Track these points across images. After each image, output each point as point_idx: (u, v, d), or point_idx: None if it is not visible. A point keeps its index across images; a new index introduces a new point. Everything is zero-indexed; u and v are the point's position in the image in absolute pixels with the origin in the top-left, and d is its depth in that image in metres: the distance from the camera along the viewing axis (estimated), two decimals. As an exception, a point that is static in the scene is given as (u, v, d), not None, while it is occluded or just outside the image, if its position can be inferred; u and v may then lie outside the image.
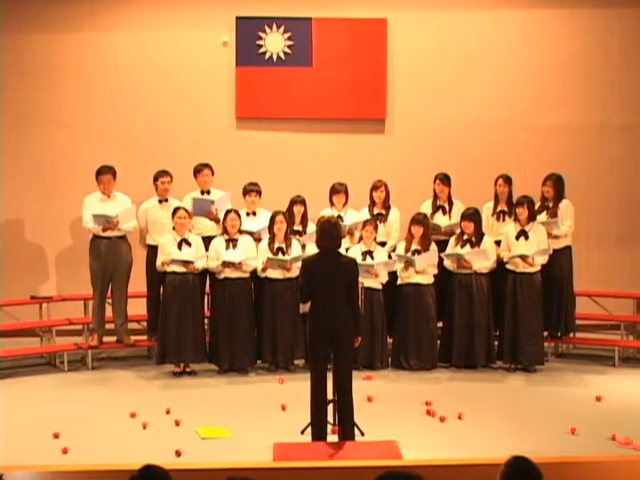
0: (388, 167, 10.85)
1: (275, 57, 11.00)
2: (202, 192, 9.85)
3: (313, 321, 7.15)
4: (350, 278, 7.13)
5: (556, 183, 9.84)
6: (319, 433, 7.06)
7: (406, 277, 9.49)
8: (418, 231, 9.51)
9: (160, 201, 9.80)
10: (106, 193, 9.75)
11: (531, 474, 4.03)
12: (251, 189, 9.79)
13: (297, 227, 9.75)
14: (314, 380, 7.10)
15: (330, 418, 7.17)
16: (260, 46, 10.98)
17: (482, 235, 9.53)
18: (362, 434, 7.19)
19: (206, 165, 9.87)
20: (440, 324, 9.67)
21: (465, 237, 9.53)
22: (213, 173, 9.88)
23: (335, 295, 7.05)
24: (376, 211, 9.94)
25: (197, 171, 9.87)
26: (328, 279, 7.07)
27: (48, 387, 9.00)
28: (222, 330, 9.29)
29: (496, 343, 9.57)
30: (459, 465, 5.70)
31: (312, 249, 9.37)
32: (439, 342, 9.59)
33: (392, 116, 11.19)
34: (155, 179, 9.82)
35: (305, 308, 7.85)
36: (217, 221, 9.67)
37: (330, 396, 7.18)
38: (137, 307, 10.00)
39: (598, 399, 8.40)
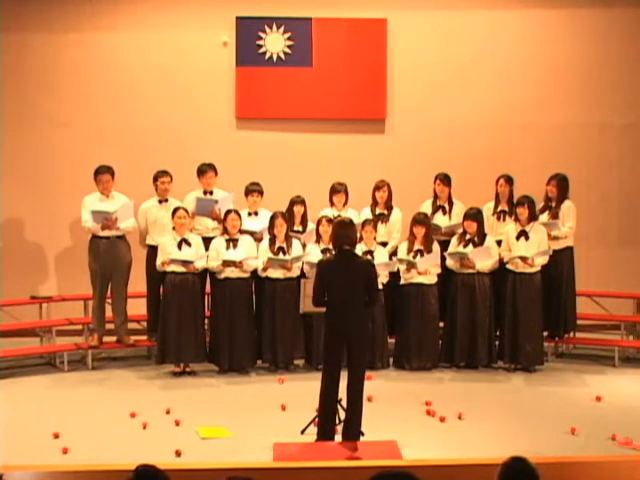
0: (388, 167, 10.84)
1: (275, 57, 11.00)
2: (205, 192, 9.84)
3: (329, 322, 7.12)
4: (367, 279, 7.10)
5: (560, 183, 9.82)
6: (326, 434, 7.05)
7: (409, 278, 9.49)
8: (420, 231, 9.49)
9: (160, 201, 9.80)
10: (105, 193, 9.74)
11: (528, 475, 4.03)
12: (253, 189, 9.78)
13: (297, 227, 9.75)
14: (326, 381, 7.07)
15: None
16: (260, 46, 10.98)
17: (484, 235, 9.52)
18: (362, 434, 7.19)
19: (210, 166, 9.84)
20: (442, 324, 9.66)
21: (467, 237, 9.52)
22: (217, 174, 9.87)
23: (351, 296, 7.01)
24: (378, 211, 9.93)
25: (201, 172, 9.85)
26: (345, 280, 7.02)
27: (48, 387, 9.00)
28: (222, 330, 9.29)
29: (496, 343, 9.57)
30: (459, 465, 5.70)
31: (312, 249, 9.41)
32: (441, 342, 9.59)
33: (392, 116, 11.19)
34: (155, 179, 9.81)
35: (305, 308, 7.83)
36: (220, 221, 9.66)
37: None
38: (137, 307, 9.99)
39: (598, 399, 8.39)
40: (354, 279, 7.04)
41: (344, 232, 7.15)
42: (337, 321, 7.03)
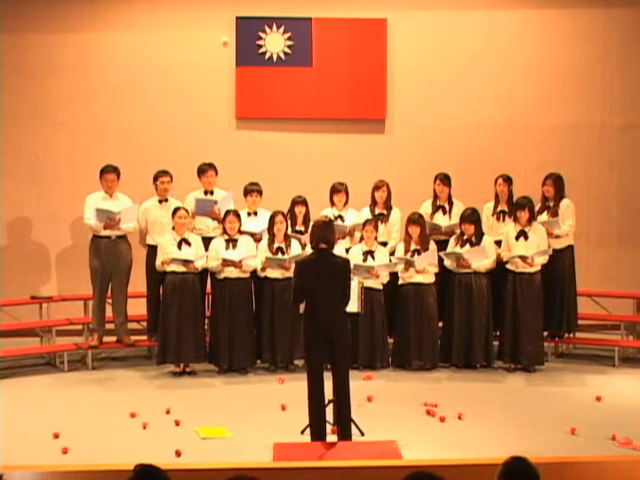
0: (388, 167, 10.85)
1: (275, 57, 11.00)
2: (205, 192, 9.85)
3: (309, 322, 7.13)
4: (343, 277, 7.11)
5: (556, 182, 9.85)
6: (318, 433, 7.05)
7: (407, 277, 9.49)
8: (415, 231, 9.51)
9: (160, 201, 9.80)
10: (109, 192, 9.75)
11: (529, 475, 4.03)
12: (252, 189, 9.79)
13: (299, 227, 9.76)
14: (311, 381, 7.08)
15: (329, 418, 7.16)
16: (260, 46, 10.98)
17: (482, 234, 9.54)
18: (362, 434, 7.19)
19: (210, 165, 9.86)
20: (440, 324, 9.66)
21: (465, 237, 9.53)
22: (217, 173, 9.87)
23: (330, 295, 7.03)
24: (377, 211, 9.94)
25: (201, 171, 9.86)
26: (322, 280, 7.04)
27: (48, 387, 9.00)
28: (222, 330, 9.29)
29: (496, 343, 9.57)
30: (459, 465, 5.69)
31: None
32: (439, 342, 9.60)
33: (392, 116, 11.19)
34: (155, 179, 9.81)
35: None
36: (220, 221, 9.66)
37: (328, 396, 7.17)
38: (137, 307, 9.99)
39: (598, 399, 8.39)
40: (332, 278, 7.06)
41: (321, 231, 7.15)
42: (318, 320, 7.03)
